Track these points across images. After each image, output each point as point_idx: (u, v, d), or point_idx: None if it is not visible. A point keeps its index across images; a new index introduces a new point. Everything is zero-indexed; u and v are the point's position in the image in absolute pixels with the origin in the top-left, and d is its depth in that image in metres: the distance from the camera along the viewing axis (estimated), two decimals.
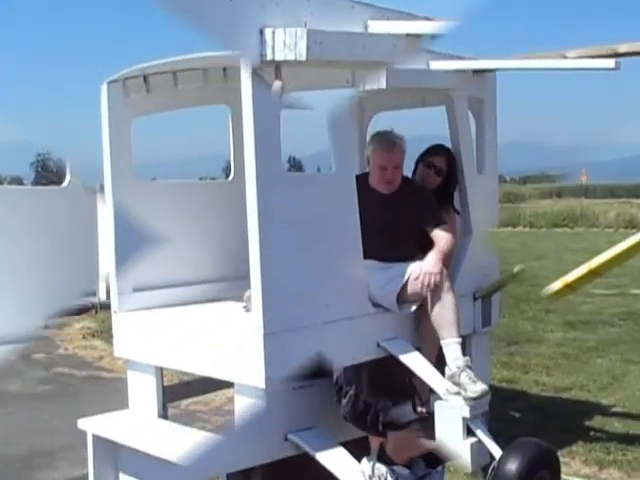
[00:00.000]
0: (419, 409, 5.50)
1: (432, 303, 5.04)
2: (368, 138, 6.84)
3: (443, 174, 5.71)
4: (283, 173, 4.57)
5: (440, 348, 5.05)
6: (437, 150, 5.76)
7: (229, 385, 4.89)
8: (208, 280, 5.79)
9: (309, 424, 4.63)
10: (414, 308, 5.19)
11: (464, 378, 4.79)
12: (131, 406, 5.45)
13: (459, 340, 5.02)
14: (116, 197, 5.32)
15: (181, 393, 6.05)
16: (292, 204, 4.47)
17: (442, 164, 5.70)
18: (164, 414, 5.35)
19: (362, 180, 5.23)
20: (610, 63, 4.79)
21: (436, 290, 5.01)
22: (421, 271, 5.02)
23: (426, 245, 5.30)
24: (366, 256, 4.95)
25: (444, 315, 5.02)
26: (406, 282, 5.10)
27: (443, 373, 4.95)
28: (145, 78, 5.37)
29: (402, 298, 5.12)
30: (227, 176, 6.21)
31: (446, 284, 5.04)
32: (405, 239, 5.32)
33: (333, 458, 4.45)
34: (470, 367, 4.88)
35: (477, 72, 5.75)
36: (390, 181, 5.34)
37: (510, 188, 73.53)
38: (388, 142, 5.37)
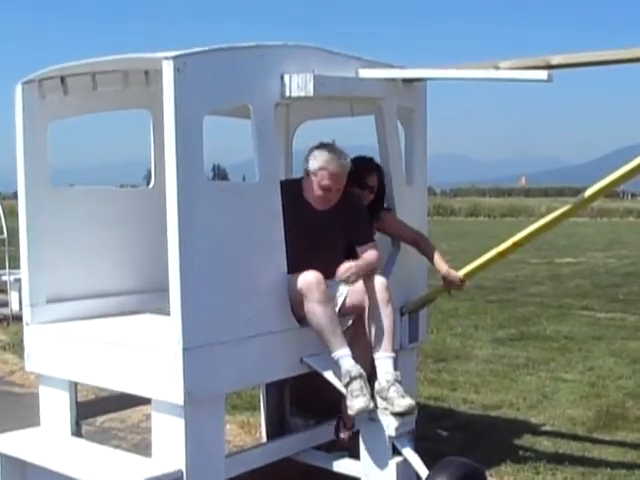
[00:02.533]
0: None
1: (371, 315, 5.06)
2: (294, 147, 6.86)
3: (375, 190, 5.77)
4: (205, 181, 4.56)
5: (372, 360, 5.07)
6: (368, 168, 5.77)
7: (146, 401, 4.83)
8: (126, 292, 5.73)
9: (317, 351, 5.08)
10: (350, 322, 5.23)
11: (392, 392, 4.82)
12: (43, 423, 5.35)
13: (392, 355, 5.02)
14: (30, 203, 5.22)
15: (96, 409, 5.96)
16: (214, 214, 4.46)
17: (375, 182, 5.75)
18: (77, 431, 5.27)
19: (293, 188, 5.23)
20: (543, 75, 4.85)
21: (376, 302, 5.04)
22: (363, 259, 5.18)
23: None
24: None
25: (381, 328, 5.04)
26: (346, 296, 5.14)
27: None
28: (62, 79, 5.29)
29: (342, 311, 5.15)
30: (148, 183, 6.15)
31: (386, 296, 5.07)
32: (341, 255, 5.30)
33: (335, 375, 5.01)
34: (399, 382, 4.91)
35: (407, 81, 5.78)
36: (330, 201, 5.30)
37: (440, 201, 74.47)
38: (338, 164, 5.20)
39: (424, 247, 5.83)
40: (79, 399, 5.37)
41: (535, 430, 7.53)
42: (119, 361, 4.74)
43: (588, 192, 5.02)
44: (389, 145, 5.71)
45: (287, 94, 4.84)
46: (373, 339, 5.05)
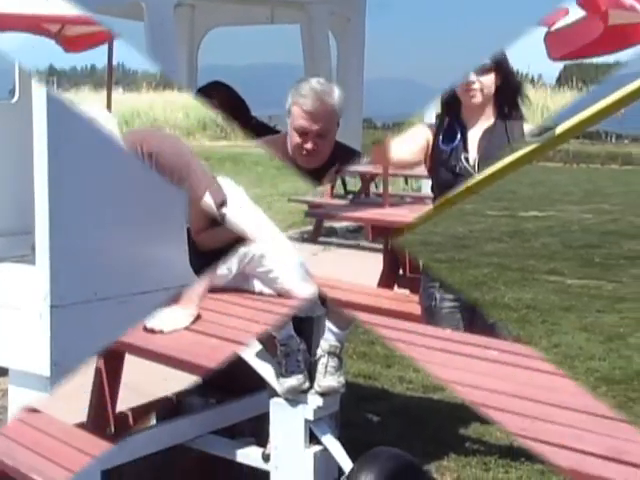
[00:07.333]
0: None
1: None
2: (200, 62, 6.80)
3: None
4: None
5: None
6: None
7: (3, 372, 4.79)
8: None
9: None
10: None
11: (320, 366, 4.84)
12: None
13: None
14: None
15: None
16: None
17: None
18: None
19: (280, 145, 5.03)
20: None
21: None
22: None
23: None
24: None
25: None
26: None
27: None
28: None
29: None
30: (12, 97, 6.08)
31: None
32: None
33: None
34: (337, 355, 4.91)
35: None
36: (310, 152, 4.89)
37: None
38: (315, 95, 4.83)
39: None
40: None
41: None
42: None
43: (560, 129, 5.02)
44: (317, 63, 5.69)
45: None
46: None
